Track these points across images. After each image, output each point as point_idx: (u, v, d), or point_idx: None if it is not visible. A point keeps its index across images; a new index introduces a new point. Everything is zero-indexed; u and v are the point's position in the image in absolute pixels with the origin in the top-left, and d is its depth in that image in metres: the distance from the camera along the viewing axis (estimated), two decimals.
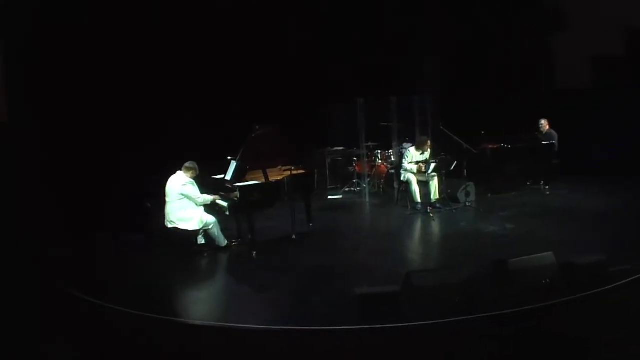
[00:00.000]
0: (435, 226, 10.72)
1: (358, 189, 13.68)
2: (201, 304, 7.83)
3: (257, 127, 9.60)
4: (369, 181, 13.57)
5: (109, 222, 10.25)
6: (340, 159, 14.32)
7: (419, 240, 10.23)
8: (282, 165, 9.91)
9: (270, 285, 8.01)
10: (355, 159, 13.73)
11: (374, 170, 13.57)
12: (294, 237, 9.91)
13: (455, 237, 9.87)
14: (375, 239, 10.09)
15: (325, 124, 14.03)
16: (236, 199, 9.25)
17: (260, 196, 9.25)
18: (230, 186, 9.41)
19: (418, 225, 10.87)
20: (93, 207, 10.36)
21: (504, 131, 12.50)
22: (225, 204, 9.50)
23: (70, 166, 10.55)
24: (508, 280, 7.08)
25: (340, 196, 13.52)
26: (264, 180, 9.54)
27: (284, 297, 7.58)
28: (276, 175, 9.89)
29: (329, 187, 14.18)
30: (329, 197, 13.51)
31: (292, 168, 9.81)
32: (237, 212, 9.57)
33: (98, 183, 10.62)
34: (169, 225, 9.19)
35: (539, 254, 7.33)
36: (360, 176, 13.64)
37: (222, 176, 9.93)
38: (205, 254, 9.45)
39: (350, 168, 14.00)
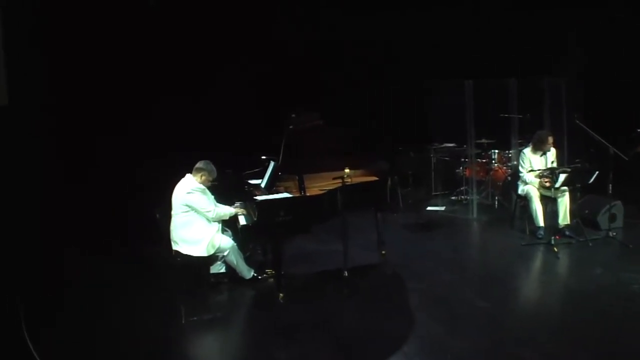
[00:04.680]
0: (560, 268, 7.40)
1: (466, 199, 10.47)
2: None
3: (294, 115, 6.79)
4: (480, 190, 10.50)
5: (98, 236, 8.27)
6: (447, 159, 11.21)
7: (527, 295, 6.86)
8: (345, 169, 7.05)
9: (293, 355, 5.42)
10: (465, 159, 10.60)
11: (488, 176, 10.36)
12: (345, 273, 6.98)
13: (585, 293, 6.48)
14: (467, 287, 6.82)
15: (423, 113, 11.27)
16: (254, 217, 6.53)
17: (288, 216, 6.40)
18: (256, 198, 6.80)
19: (534, 265, 7.62)
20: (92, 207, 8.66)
21: None
22: (244, 221, 6.82)
23: (74, 151, 9.04)
24: None
25: (443, 208, 10.56)
26: (297, 192, 6.78)
27: None
28: (325, 183, 7.10)
29: (433, 193, 11.23)
30: (428, 208, 10.61)
31: (346, 174, 6.87)
32: (257, 236, 6.84)
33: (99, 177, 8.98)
34: (174, 247, 6.69)
35: None
36: (469, 183, 10.46)
37: (259, 181, 7.42)
38: (222, 289, 6.96)
39: (459, 172, 10.92)
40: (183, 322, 6.09)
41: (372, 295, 6.65)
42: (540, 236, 8.20)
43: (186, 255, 6.62)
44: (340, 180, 6.82)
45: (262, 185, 7.24)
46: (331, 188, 6.88)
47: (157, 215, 6.95)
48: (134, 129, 9.25)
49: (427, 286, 6.72)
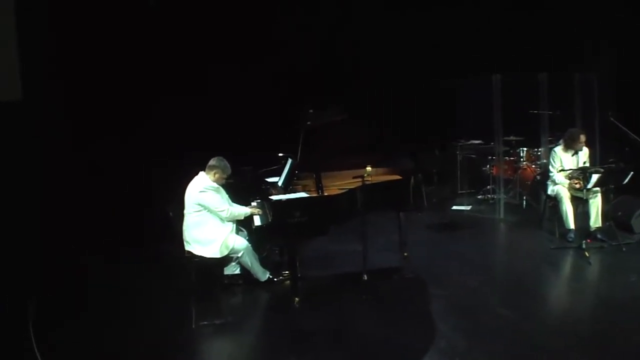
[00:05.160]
0: (591, 274, 6.98)
1: (493, 198, 10.07)
2: None
3: (311, 110, 6.49)
4: (508, 189, 10.08)
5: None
6: (474, 156, 10.79)
7: (556, 304, 6.39)
8: (367, 167, 6.72)
9: None
10: (492, 157, 10.19)
11: (516, 174, 9.96)
12: (365, 277, 6.66)
13: (618, 302, 6.04)
14: (492, 294, 6.41)
15: (449, 109, 10.81)
16: (270, 218, 6.25)
17: (304, 217, 6.09)
18: (272, 197, 6.55)
19: (564, 270, 7.24)
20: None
21: None
22: (259, 222, 6.54)
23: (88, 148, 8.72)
24: None
25: (469, 207, 10.20)
26: (315, 191, 6.48)
27: None
28: (344, 182, 6.81)
29: (459, 192, 10.85)
30: (453, 207, 10.26)
31: (367, 173, 6.55)
32: (271, 237, 6.55)
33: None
34: (186, 247, 6.43)
35: None
36: (496, 182, 10.05)
37: (277, 179, 7.16)
38: (236, 291, 6.71)
39: (486, 170, 10.50)
40: (193, 326, 5.84)
41: (391, 301, 6.32)
42: (570, 239, 7.81)
43: (199, 256, 6.38)
44: (360, 179, 6.51)
45: (280, 183, 6.96)
46: (351, 187, 6.57)
47: (170, 214, 6.73)
48: (149, 127, 9.00)
49: (450, 292, 6.37)
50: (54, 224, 7.63)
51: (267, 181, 7.28)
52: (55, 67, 8.48)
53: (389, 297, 6.42)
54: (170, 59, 9.37)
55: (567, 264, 7.33)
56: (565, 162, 7.94)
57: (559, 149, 8.07)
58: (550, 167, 8.12)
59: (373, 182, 6.72)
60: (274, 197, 6.37)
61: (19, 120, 8.15)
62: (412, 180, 7.17)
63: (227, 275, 6.82)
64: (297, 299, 6.23)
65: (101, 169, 8.50)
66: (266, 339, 5.75)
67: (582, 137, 7.87)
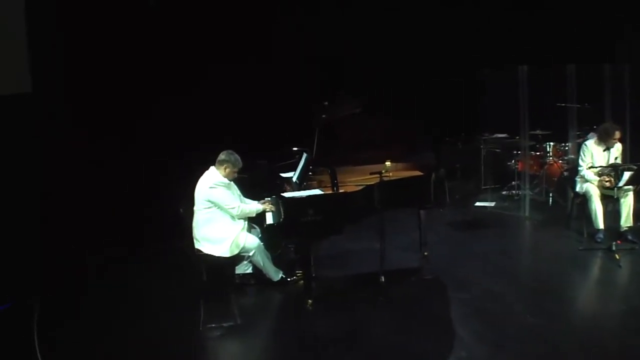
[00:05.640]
0: (621, 278, 6.59)
1: (518, 195, 9.71)
2: None
3: (326, 103, 6.19)
4: (533, 185, 9.68)
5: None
6: (498, 151, 10.42)
7: (584, 310, 5.99)
8: (386, 162, 6.50)
9: None
10: (517, 152, 9.82)
11: (543, 170, 9.58)
12: (382, 278, 6.34)
13: None
14: (516, 299, 6.05)
15: (473, 101, 10.48)
16: (282, 215, 5.97)
17: (317, 216, 5.80)
18: (283, 195, 6.23)
19: (592, 273, 6.86)
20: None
21: None
22: (271, 219, 6.26)
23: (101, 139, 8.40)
24: None
25: (492, 203, 9.78)
26: (330, 188, 6.17)
27: None
28: (362, 178, 6.50)
29: (482, 187, 10.44)
30: (477, 204, 9.85)
31: (385, 169, 6.25)
32: (283, 237, 6.27)
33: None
34: (196, 245, 6.19)
35: None
36: (522, 177, 9.68)
37: (291, 174, 6.92)
38: (247, 292, 6.49)
39: (511, 165, 10.14)
40: (200, 329, 5.60)
41: (409, 305, 5.99)
42: (599, 240, 7.42)
43: (208, 255, 6.13)
44: (377, 176, 6.19)
45: (294, 179, 6.68)
46: (368, 184, 6.26)
47: (181, 210, 6.48)
48: (161, 121, 8.76)
49: (471, 297, 6.03)
50: (58, 219, 7.41)
51: (281, 176, 7.01)
52: (65, 60, 8.26)
53: (406, 300, 6.09)
54: (183, 52, 9.12)
55: (596, 266, 6.95)
56: (596, 157, 7.56)
57: (590, 143, 7.68)
58: (580, 162, 7.72)
59: (392, 178, 6.41)
60: (287, 195, 6.07)
61: (30, 113, 7.94)
62: (433, 176, 6.85)
63: (238, 274, 6.57)
64: (310, 301, 5.97)
65: (108, 162, 8.24)
66: (275, 344, 5.51)
67: (618, 133, 7.48)
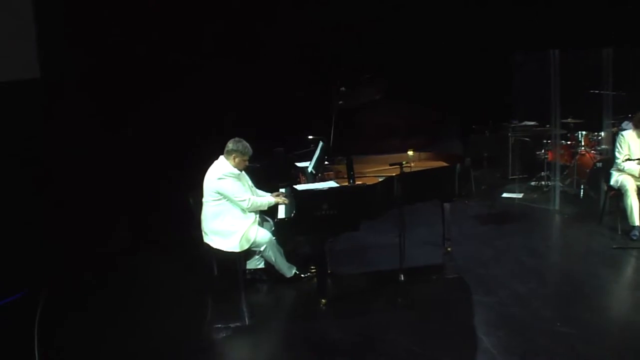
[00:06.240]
0: None
1: (547, 186, 9.26)
2: None
3: (343, 88, 5.81)
4: (564, 176, 9.25)
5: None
6: (527, 139, 9.98)
7: (618, 317, 5.45)
8: (408, 151, 6.24)
9: None
10: (547, 141, 9.40)
11: (574, 160, 9.13)
12: (401, 277, 5.94)
13: None
14: (544, 303, 5.60)
15: (502, 87, 10.01)
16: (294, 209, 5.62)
17: (332, 210, 5.42)
18: (296, 187, 5.83)
19: (627, 274, 6.37)
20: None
21: None
22: (283, 214, 5.91)
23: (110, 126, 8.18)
24: None
25: (520, 195, 9.34)
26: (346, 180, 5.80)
27: None
28: (382, 168, 6.18)
29: (510, 177, 10.03)
30: (504, 195, 9.40)
31: (407, 159, 5.88)
32: (295, 233, 5.91)
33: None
34: (204, 239, 5.89)
35: None
36: (552, 168, 9.25)
37: (307, 164, 6.56)
38: (258, 289, 6.18)
39: (540, 155, 9.71)
40: (206, 328, 5.31)
41: (429, 308, 5.58)
42: (634, 237, 6.99)
43: (217, 249, 5.81)
44: (398, 167, 5.79)
45: (309, 169, 6.31)
46: (387, 176, 5.87)
47: (190, 201, 6.18)
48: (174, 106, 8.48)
49: (496, 300, 5.60)
50: (65, 209, 7.15)
51: (296, 166, 6.65)
52: (73, 46, 7.98)
53: (426, 302, 5.69)
54: (200, 39, 8.84)
55: (630, 267, 6.50)
56: (633, 148, 7.11)
57: (627, 134, 7.22)
58: (617, 154, 7.27)
59: (413, 170, 6.02)
60: (299, 187, 5.69)
61: (38, 98, 7.70)
62: (458, 167, 6.45)
63: (249, 269, 6.26)
64: (323, 300, 5.63)
65: (118, 151, 7.96)
66: (284, 347, 5.18)
67: None
